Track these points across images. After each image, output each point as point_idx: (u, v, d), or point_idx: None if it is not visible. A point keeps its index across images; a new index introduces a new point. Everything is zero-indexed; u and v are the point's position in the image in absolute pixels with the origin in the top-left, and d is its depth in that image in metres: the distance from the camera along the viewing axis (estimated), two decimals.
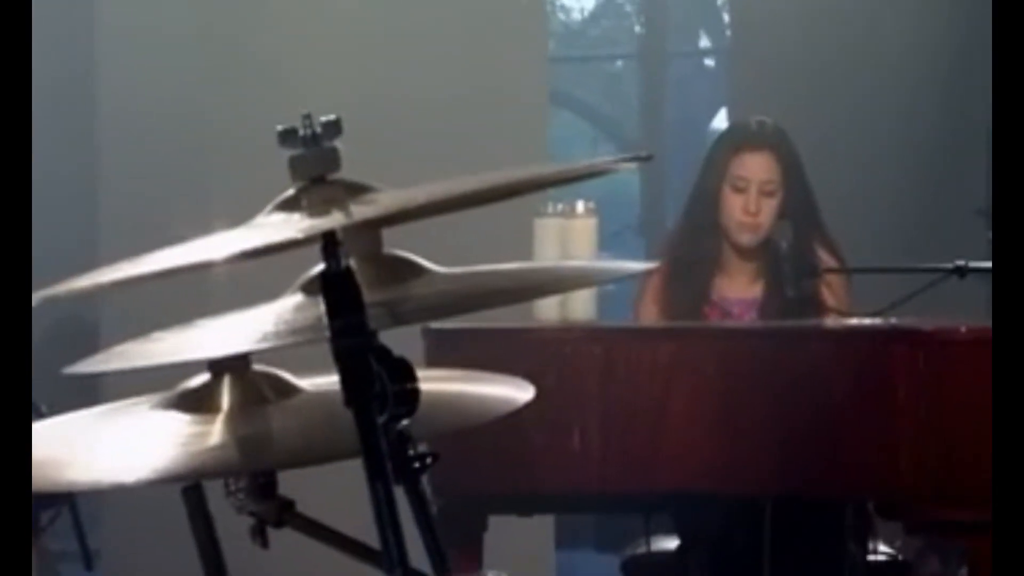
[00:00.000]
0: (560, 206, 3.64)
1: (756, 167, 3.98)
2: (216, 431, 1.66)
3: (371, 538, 1.58)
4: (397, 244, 1.72)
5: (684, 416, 3.31)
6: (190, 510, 1.76)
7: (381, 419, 1.54)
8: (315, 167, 1.61)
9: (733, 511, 3.62)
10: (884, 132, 5.86)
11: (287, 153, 1.61)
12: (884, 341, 3.33)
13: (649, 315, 4.05)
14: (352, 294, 1.53)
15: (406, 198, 1.62)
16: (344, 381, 1.53)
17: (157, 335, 1.73)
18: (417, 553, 1.58)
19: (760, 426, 3.30)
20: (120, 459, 1.67)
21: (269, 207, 1.63)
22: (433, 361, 3.10)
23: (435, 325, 3.26)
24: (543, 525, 4.85)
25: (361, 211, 1.56)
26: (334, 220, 1.55)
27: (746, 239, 4.00)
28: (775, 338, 3.50)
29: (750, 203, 3.96)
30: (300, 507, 1.77)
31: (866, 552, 3.74)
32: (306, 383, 1.74)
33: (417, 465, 1.62)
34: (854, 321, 3.74)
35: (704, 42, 9.65)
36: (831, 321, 3.86)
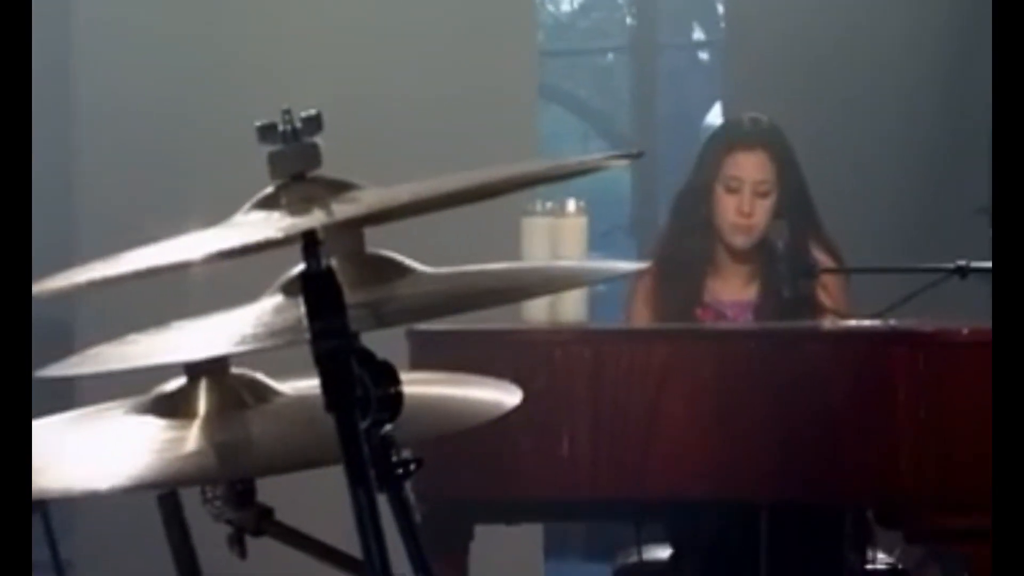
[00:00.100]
0: (549, 204, 3.64)
1: (750, 167, 3.99)
2: (193, 437, 1.66)
3: (353, 547, 1.58)
4: (380, 244, 1.72)
5: (677, 420, 3.31)
6: (166, 518, 1.76)
7: (363, 424, 1.54)
8: (295, 164, 1.61)
9: (728, 519, 3.62)
10: (883, 127, 5.86)
11: (266, 149, 1.61)
12: (883, 343, 3.34)
13: (640, 317, 4.05)
14: (333, 295, 1.53)
15: (389, 196, 1.62)
16: (325, 385, 1.53)
17: (133, 337, 1.73)
18: (400, 562, 1.58)
19: (756, 431, 3.30)
20: (93, 466, 1.67)
21: (247, 205, 1.63)
22: (418, 364, 3.11)
23: (420, 327, 3.27)
24: (531, 534, 4.85)
25: (343, 209, 1.56)
26: (315, 219, 1.55)
27: (740, 241, 4.00)
28: (771, 340, 3.51)
29: (744, 204, 3.97)
30: (279, 515, 1.77)
31: (865, 561, 3.75)
32: (286, 387, 1.74)
33: (400, 471, 1.63)
34: (853, 323, 3.74)
35: (698, 34, 9.65)
36: (829, 323, 3.86)
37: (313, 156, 1.61)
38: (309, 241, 1.54)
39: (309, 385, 1.62)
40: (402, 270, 1.70)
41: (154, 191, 4.82)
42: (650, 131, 8.48)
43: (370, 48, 5.07)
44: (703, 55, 9.76)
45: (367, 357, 1.56)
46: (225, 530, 1.76)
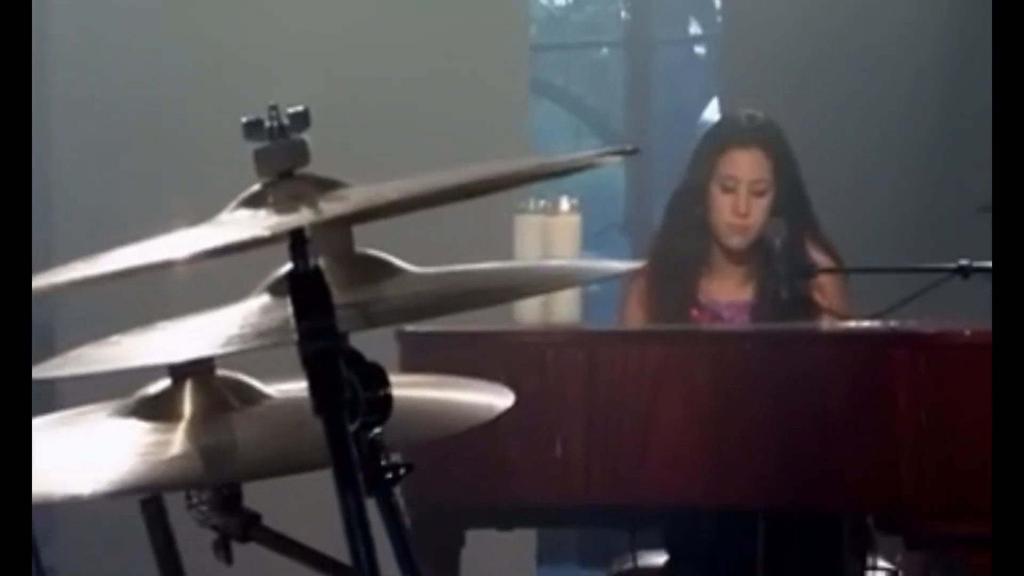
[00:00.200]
0: (542, 202, 3.65)
1: (746, 166, 3.99)
2: (177, 440, 1.66)
3: (341, 553, 1.59)
4: (369, 242, 1.72)
5: (673, 424, 3.31)
6: (149, 524, 1.76)
7: (352, 427, 1.54)
8: (282, 161, 1.61)
9: (725, 525, 3.62)
10: (883, 124, 5.87)
11: (252, 146, 1.62)
12: (883, 345, 3.35)
13: (634, 318, 4.06)
14: (321, 295, 1.53)
15: (378, 194, 1.62)
16: (313, 387, 1.53)
17: (115, 338, 1.73)
18: (390, 569, 1.59)
19: (753, 435, 3.31)
20: (75, 470, 1.67)
21: (233, 203, 1.63)
22: (407, 366, 3.11)
23: (410, 328, 3.27)
24: (523, 540, 4.85)
25: (331, 207, 1.56)
26: (302, 217, 1.55)
27: (736, 241, 4.01)
28: (769, 342, 3.51)
29: (739, 203, 3.97)
30: (266, 520, 1.77)
31: (865, 568, 3.75)
32: (273, 389, 1.74)
33: (390, 476, 1.63)
34: (852, 324, 3.75)
35: (694, 29, 9.65)
36: (828, 324, 3.87)
37: (300, 153, 1.61)
38: (296, 240, 1.54)
39: (296, 387, 1.62)
40: (391, 270, 1.71)
41: (137, 189, 4.82)
42: (645, 127, 8.49)
43: (358, 41, 5.06)
44: (699, 50, 9.76)
45: (356, 359, 1.56)
46: (210, 536, 1.76)
